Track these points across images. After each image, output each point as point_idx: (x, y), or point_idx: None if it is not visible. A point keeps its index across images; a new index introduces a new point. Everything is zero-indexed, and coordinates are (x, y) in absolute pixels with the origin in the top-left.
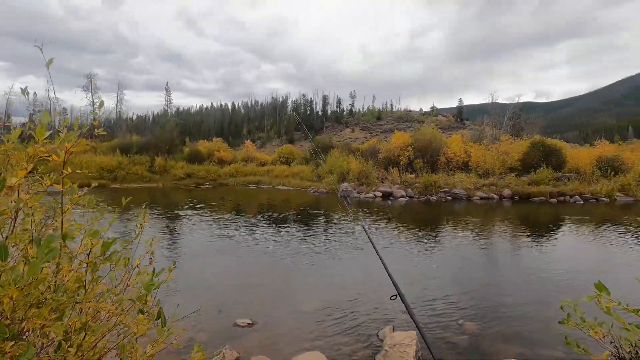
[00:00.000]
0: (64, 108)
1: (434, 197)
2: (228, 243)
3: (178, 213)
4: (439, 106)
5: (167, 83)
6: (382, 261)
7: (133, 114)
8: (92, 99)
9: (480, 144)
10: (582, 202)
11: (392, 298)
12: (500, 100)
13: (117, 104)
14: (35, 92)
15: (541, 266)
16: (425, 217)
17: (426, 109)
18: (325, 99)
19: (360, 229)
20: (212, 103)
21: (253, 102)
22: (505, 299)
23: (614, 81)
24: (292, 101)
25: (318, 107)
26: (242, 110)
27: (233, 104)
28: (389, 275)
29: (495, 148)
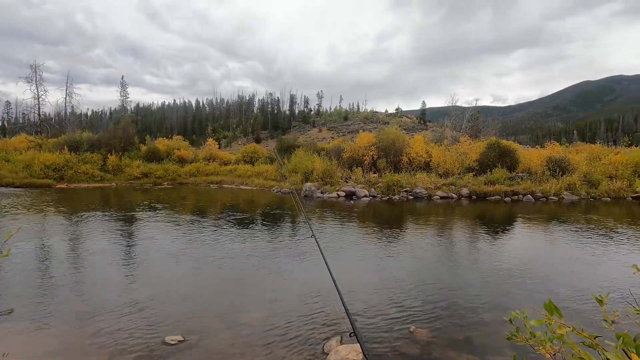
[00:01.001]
0: (7, 101)
1: (396, 197)
2: (181, 247)
3: (131, 215)
4: (404, 108)
5: (123, 77)
6: (337, 289)
7: (88, 109)
8: (37, 91)
9: (440, 145)
10: (533, 200)
11: (350, 335)
12: (460, 104)
13: (65, 98)
14: None
15: (496, 266)
16: (387, 216)
17: (391, 110)
18: (292, 99)
19: (326, 225)
20: (174, 100)
21: (218, 100)
22: (459, 302)
23: (562, 88)
24: (259, 100)
25: (285, 107)
26: (207, 108)
27: (197, 101)
28: (344, 307)
29: (454, 149)
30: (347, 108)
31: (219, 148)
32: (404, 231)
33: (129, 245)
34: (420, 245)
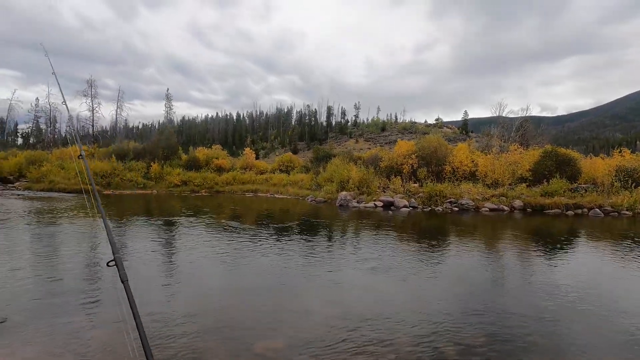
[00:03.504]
0: (70, 115)
1: (439, 208)
2: (204, 258)
3: (166, 222)
4: (444, 119)
5: (168, 89)
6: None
7: (139, 122)
8: (92, 104)
9: (488, 153)
10: (602, 215)
11: (109, 264)
12: (505, 114)
13: (116, 111)
14: (37, 98)
15: (569, 294)
16: (429, 229)
17: (431, 121)
18: (329, 110)
19: (363, 237)
20: (217, 113)
21: (258, 113)
22: (532, 340)
23: (620, 96)
24: (296, 112)
25: (322, 118)
26: (247, 121)
27: (238, 114)
28: (109, 236)
29: (504, 158)
30: (385, 119)
31: (258, 158)
32: (450, 246)
33: (150, 254)
34: (470, 263)
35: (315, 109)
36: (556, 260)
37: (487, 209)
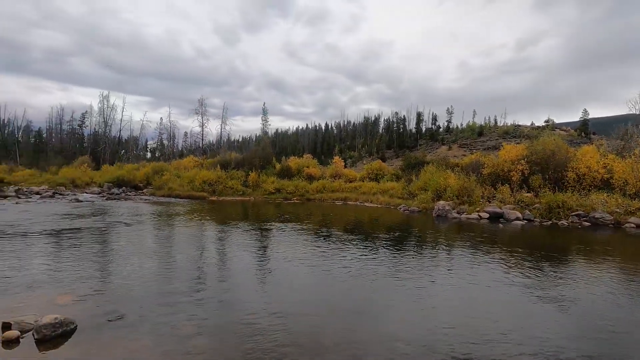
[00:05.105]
0: (185, 132)
1: (564, 222)
2: (301, 265)
3: (264, 227)
4: (555, 120)
5: (264, 103)
6: None
7: (240, 136)
8: (202, 120)
9: (626, 157)
10: None
11: None
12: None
13: (221, 125)
14: (161, 118)
15: None
16: (555, 247)
17: (538, 122)
18: (419, 116)
19: (467, 254)
20: (307, 124)
21: (345, 122)
22: None
23: None
24: (384, 120)
25: (411, 125)
26: (335, 130)
27: (326, 124)
28: None
29: None
30: (482, 123)
31: (345, 167)
32: (589, 271)
33: (246, 259)
34: (611, 297)
35: (403, 116)
36: None
37: (634, 225)
